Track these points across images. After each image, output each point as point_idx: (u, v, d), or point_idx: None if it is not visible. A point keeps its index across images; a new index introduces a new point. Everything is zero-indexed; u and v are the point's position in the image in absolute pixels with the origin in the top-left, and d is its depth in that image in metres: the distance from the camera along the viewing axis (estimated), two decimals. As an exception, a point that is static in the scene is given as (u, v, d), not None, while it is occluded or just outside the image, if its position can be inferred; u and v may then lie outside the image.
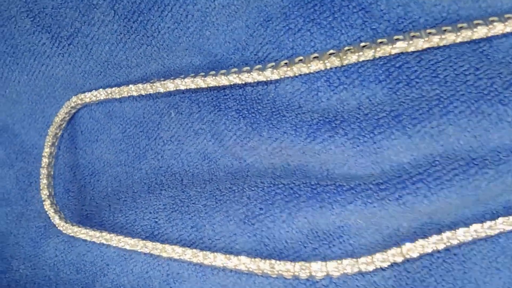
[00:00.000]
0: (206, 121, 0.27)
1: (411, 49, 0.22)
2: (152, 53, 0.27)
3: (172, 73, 0.28)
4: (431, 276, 0.23)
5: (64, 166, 0.34)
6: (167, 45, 0.27)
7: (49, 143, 0.32)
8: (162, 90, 0.27)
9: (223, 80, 0.25)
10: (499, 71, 0.22)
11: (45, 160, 0.32)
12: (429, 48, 0.23)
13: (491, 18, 0.22)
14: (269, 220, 0.24)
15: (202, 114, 0.28)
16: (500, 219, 0.22)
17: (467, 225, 0.22)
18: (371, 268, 0.22)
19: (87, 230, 0.29)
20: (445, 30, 0.22)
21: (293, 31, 0.23)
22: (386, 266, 0.22)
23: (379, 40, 0.22)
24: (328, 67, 0.22)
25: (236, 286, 0.25)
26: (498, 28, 0.21)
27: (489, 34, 0.21)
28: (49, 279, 0.31)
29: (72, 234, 0.30)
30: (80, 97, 0.30)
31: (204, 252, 0.25)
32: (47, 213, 0.31)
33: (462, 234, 0.22)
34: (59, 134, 0.32)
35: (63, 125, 0.32)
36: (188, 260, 0.25)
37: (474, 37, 0.22)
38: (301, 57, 0.23)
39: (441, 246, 0.22)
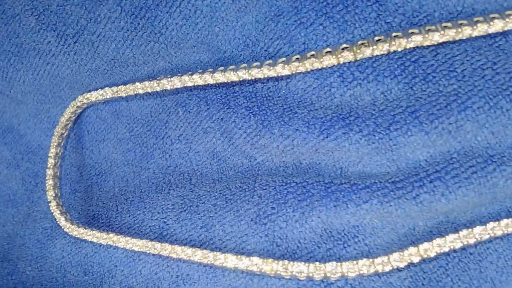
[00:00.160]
0: (215, 119, 0.27)
1: (427, 43, 0.21)
2: (160, 50, 0.27)
3: (180, 70, 0.28)
4: (447, 276, 0.23)
5: (71, 166, 0.34)
6: (175, 42, 0.26)
7: (55, 144, 0.32)
8: (169, 87, 0.27)
9: (232, 76, 0.24)
10: (517, 65, 0.21)
11: (51, 161, 0.31)
12: (444, 42, 0.22)
13: (507, 12, 0.21)
14: (281, 220, 0.23)
15: (210, 112, 0.27)
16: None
17: (483, 223, 0.22)
18: (387, 268, 0.22)
19: (94, 232, 0.29)
20: (461, 24, 0.21)
21: (305, 26, 0.23)
22: (403, 266, 0.22)
23: (394, 34, 0.22)
24: (341, 62, 0.22)
25: (247, 288, 0.25)
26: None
27: (505, 28, 0.21)
28: (56, 280, 0.31)
29: (78, 236, 0.29)
30: (86, 96, 0.30)
31: (215, 252, 0.24)
32: (53, 214, 0.31)
33: (479, 233, 0.22)
34: (65, 134, 0.32)
35: (69, 125, 0.32)
36: (198, 261, 0.25)
37: (490, 31, 0.21)
38: (313, 52, 0.22)
39: (458, 245, 0.22)
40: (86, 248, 0.30)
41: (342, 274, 0.22)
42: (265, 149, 0.25)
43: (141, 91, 0.28)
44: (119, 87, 0.28)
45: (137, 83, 0.27)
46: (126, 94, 0.28)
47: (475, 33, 0.21)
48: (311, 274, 0.22)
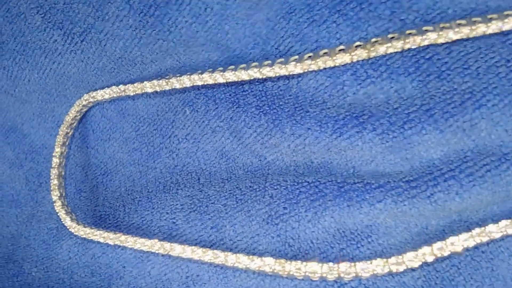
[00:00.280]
0: (224, 118, 0.27)
1: (441, 40, 0.21)
2: (168, 48, 0.26)
3: (188, 69, 0.27)
4: (459, 275, 0.23)
5: (75, 166, 0.33)
6: (183, 40, 0.26)
7: (60, 143, 0.31)
8: (178, 86, 0.26)
9: (243, 75, 0.24)
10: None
11: (55, 160, 0.31)
12: (458, 39, 0.22)
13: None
14: (293, 220, 0.23)
15: (219, 111, 0.27)
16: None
17: (495, 221, 0.22)
18: (402, 268, 0.21)
19: (101, 232, 0.28)
20: (475, 21, 0.21)
21: (318, 23, 0.23)
22: (417, 266, 0.21)
23: (408, 31, 0.21)
24: (354, 60, 0.21)
25: (259, 289, 0.24)
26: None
27: (520, 26, 0.21)
28: (63, 282, 0.30)
29: (84, 236, 0.29)
30: (92, 95, 0.30)
31: (226, 253, 0.24)
32: (58, 214, 0.30)
33: (492, 231, 0.22)
34: (70, 133, 0.31)
35: (74, 124, 0.31)
36: (209, 261, 0.24)
37: (504, 29, 0.21)
38: (326, 50, 0.22)
39: (471, 244, 0.22)
40: (93, 249, 0.29)
41: (356, 274, 0.21)
42: (275, 148, 0.25)
43: (149, 90, 0.27)
44: (127, 85, 0.28)
45: (145, 82, 0.27)
46: (134, 93, 0.28)
47: (489, 31, 0.21)
48: (324, 275, 0.22)
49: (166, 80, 0.26)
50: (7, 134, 0.35)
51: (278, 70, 0.23)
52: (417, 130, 0.21)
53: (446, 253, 0.22)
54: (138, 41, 0.27)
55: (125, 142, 0.31)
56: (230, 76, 0.24)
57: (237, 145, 0.26)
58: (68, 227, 0.29)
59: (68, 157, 0.33)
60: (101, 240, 0.28)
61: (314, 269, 0.22)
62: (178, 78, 0.26)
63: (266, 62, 0.23)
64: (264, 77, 0.24)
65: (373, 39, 0.21)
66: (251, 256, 0.23)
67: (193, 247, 0.25)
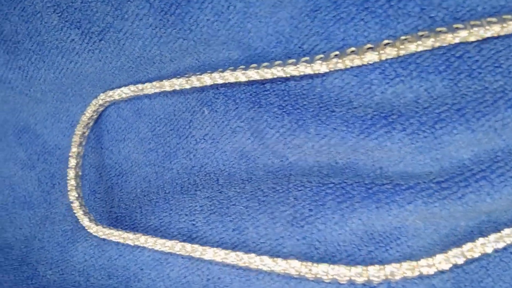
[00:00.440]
0: (245, 119, 0.26)
1: (472, 38, 0.21)
2: (188, 47, 0.26)
3: (207, 67, 0.27)
4: (488, 276, 0.22)
5: (89, 167, 0.33)
6: (204, 38, 0.25)
7: (76, 143, 0.31)
8: (198, 84, 0.26)
9: (266, 74, 0.24)
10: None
11: (72, 161, 0.31)
12: (488, 37, 0.21)
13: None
14: (319, 222, 0.23)
15: (239, 111, 0.26)
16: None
17: (524, 222, 0.21)
18: (432, 271, 0.21)
19: (120, 232, 0.28)
20: (505, 19, 0.21)
21: (345, 21, 0.22)
22: (447, 268, 0.21)
23: (438, 29, 0.21)
24: (383, 58, 0.21)
25: (283, 292, 0.24)
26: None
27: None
28: (79, 284, 0.30)
29: (103, 237, 0.28)
30: (108, 94, 0.29)
31: (249, 254, 0.23)
32: (76, 215, 0.30)
33: (521, 231, 0.21)
34: (87, 133, 0.31)
35: (91, 124, 0.31)
36: (232, 263, 0.24)
37: (535, 26, 0.20)
38: (353, 48, 0.22)
39: (501, 245, 0.21)
40: (110, 251, 0.29)
41: (385, 277, 0.21)
42: (298, 149, 0.24)
43: (168, 89, 0.27)
44: (145, 84, 0.27)
45: (164, 81, 0.27)
46: (152, 92, 0.27)
47: (520, 28, 0.20)
48: (353, 278, 0.21)
49: (186, 79, 0.26)
50: (20, 134, 0.35)
51: (303, 68, 0.23)
52: (448, 130, 0.21)
53: (476, 255, 0.21)
54: (157, 40, 0.26)
55: (141, 142, 0.30)
56: (253, 74, 0.24)
57: (258, 145, 0.26)
58: (86, 228, 0.29)
59: (83, 157, 0.32)
60: (121, 241, 0.28)
61: (342, 272, 0.21)
62: (198, 76, 0.25)
63: (290, 61, 0.23)
64: (288, 76, 0.23)
65: (403, 37, 0.21)
66: (275, 258, 0.23)
67: (215, 248, 0.24)
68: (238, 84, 0.26)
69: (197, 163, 0.28)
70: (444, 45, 0.21)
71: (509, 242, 0.21)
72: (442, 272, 0.22)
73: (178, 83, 0.26)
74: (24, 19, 0.29)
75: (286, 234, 0.23)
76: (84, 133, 0.31)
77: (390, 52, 0.21)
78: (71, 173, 0.31)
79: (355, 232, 0.22)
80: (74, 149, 0.31)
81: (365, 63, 0.21)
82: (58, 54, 0.29)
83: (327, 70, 0.22)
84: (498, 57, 0.21)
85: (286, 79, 0.25)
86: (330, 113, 0.23)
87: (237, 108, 0.26)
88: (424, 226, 0.22)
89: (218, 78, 0.25)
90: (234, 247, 0.25)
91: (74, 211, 0.30)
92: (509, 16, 0.21)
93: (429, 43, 0.21)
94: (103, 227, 0.29)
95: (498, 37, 0.22)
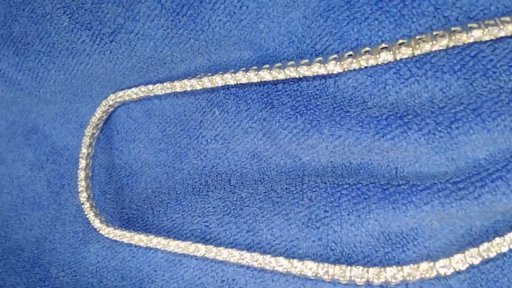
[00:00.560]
0: (257, 119, 0.26)
1: (486, 38, 0.20)
2: (200, 47, 0.26)
3: (218, 68, 0.27)
4: (504, 276, 0.22)
5: (99, 167, 0.33)
6: (216, 39, 0.25)
7: (86, 144, 0.31)
8: (210, 85, 0.26)
9: (279, 74, 0.23)
10: None
11: (82, 162, 0.31)
12: (502, 36, 0.21)
13: None
14: (335, 223, 0.23)
15: (251, 112, 0.26)
16: None
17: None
18: (449, 271, 0.21)
19: (132, 234, 0.28)
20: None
21: (359, 21, 0.22)
22: (464, 268, 0.21)
23: (453, 28, 0.21)
24: (398, 58, 0.21)
25: (299, 293, 0.24)
26: None
27: None
28: (92, 286, 0.30)
29: (115, 238, 0.28)
30: (119, 95, 0.29)
31: (265, 256, 0.23)
32: (87, 216, 0.30)
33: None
34: (97, 134, 0.31)
35: (100, 125, 0.31)
36: (247, 264, 0.24)
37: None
38: (367, 48, 0.21)
39: (517, 244, 0.21)
40: (122, 252, 0.29)
41: (403, 278, 0.21)
42: (312, 149, 0.24)
43: (178, 89, 0.27)
44: (156, 85, 0.27)
45: (175, 82, 0.26)
46: (163, 93, 0.27)
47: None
48: (370, 279, 0.21)
49: (198, 80, 0.26)
50: (28, 135, 0.35)
51: (317, 69, 0.22)
52: (465, 130, 0.21)
53: (492, 254, 0.21)
54: (169, 41, 0.26)
55: (151, 143, 0.30)
56: (265, 75, 0.24)
57: (270, 146, 0.26)
58: (97, 229, 0.29)
59: (93, 158, 0.32)
60: (132, 242, 0.27)
61: (360, 273, 0.21)
62: (210, 77, 0.25)
63: (303, 61, 0.23)
64: (301, 76, 0.23)
65: (417, 37, 0.21)
66: (291, 260, 0.23)
67: (229, 249, 0.24)
68: (250, 84, 0.26)
69: (208, 163, 0.28)
70: (459, 44, 0.21)
71: (524, 242, 0.21)
72: (458, 272, 0.22)
73: (189, 84, 0.26)
74: (33, 21, 0.29)
75: (301, 235, 0.23)
76: (94, 134, 0.31)
77: (405, 52, 0.21)
78: (82, 174, 0.31)
79: (371, 233, 0.22)
80: (84, 150, 0.31)
81: (380, 63, 0.21)
82: (69, 56, 0.29)
83: (341, 70, 0.22)
84: (513, 56, 0.21)
85: (299, 79, 0.25)
86: (344, 113, 0.23)
87: (248, 108, 0.26)
88: (440, 226, 0.22)
89: (230, 79, 0.25)
90: (248, 249, 0.25)
91: (85, 213, 0.30)
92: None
93: (444, 42, 0.21)
94: (115, 229, 0.29)
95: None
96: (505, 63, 0.21)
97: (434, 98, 0.22)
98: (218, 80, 0.25)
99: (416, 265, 0.21)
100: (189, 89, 0.26)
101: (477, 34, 0.20)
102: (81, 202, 0.30)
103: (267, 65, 0.24)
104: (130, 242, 0.28)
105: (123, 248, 0.29)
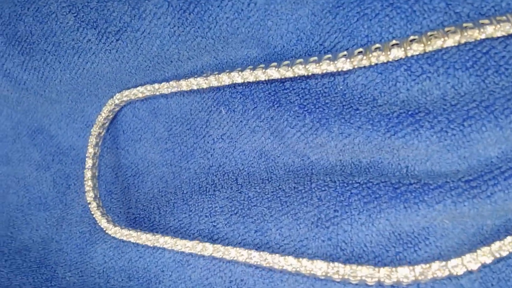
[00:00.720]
0: (264, 118, 0.26)
1: (498, 34, 0.20)
2: (206, 45, 0.26)
3: (225, 66, 0.26)
4: None
5: (105, 167, 0.33)
6: (223, 36, 0.25)
7: (93, 143, 0.30)
8: (216, 84, 0.25)
9: (287, 72, 0.23)
10: None
11: (89, 162, 0.30)
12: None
13: None
14: (345, 223, 0.22)
15: (258, 111, 0.26)
16: None
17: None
18: (461, 271, 0.20)
19: (139, 233, 0.27)
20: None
21: (369, 17, 0.22)
22: (476, 268, 0.20)
23: (464, 25, 0.20)
24: (409, 55, 0.20)
25: (308, 294, 0.24)
26: None
27: None
28: (99, 286, 0.30)
29: (122, 238, 0.28)
30: (125, 94, 0.29)
31: (273, 255, 0.23)
32: (94, 216, 0.30)
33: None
34: (103, 133, 0.31)
35: (107, 124, 0.30)
36: (255, 263, 0.23)
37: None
38: (378, 45, 0.21)
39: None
40: (129, 253, 0.29)
41: (415, 278, 0.20)
42: (320, 148, 0.24)
43: (185, 88, 0.26)
44: (162, 84, 0.27)
45: (181, 80, 0.26)
46: (169, 92, 0.27)
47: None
48: (382, 279, 0.21)
49: (204, 78, 0.26)
50: (34, 135, 0.34)
51: (326, 66, 0.22)
52: (477, 127, 0.21)
53: (504, 253, 0.21)
54: (175, 39, 0.26)
55: (157, 142, 0.30)
56: (273, 73, 0.24)
57: (278, 144, 0.25)
58: (104, 229, 0.29)
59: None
60: (139, 242, 0.27)
61: (371, 273, 0.21)
62: (216, 75, 0.25)
63: (312, 58, 0.23)
64: (310, 74, 0.23)
65: (429, 33, 0.20)
66: (300, 259, 0.22)
67: (237, 248, 0.24)
68: (257, 82, 0.26)
69: (215, 162, 0.28)
70: (471, 41, 0.20)
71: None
72: (470, 272, 0.21)
73: (196, 83, 0.26)
74: (39, 20, 0.29)
75: (311, 235, 0.23)
76: (100, 133, 0.31)
77: (416, 48, 0.20)
78: (88, 174, 0.30)
79: (382, 233, 0.22)
80: (90, 150, 0.31)
81: (391, 59, 0.21)
82: (74, 55, 0.28)
83: (351, 68, 0.22)
84: (526, 52, 0.21)
85: (307, 77, 0.24)
86: (354, 111, 0.23)
87: (255, 107, 0.26)
88: (452, 226, 0.21)
89: (237, 77, 0.25)
90: (257, 249, 0.24)
91: (92, 212, 0.30)
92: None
93: (456, 38, 0.20)
94: (122, 228, 0.28)
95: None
96: None
97: (446, 95, 0.21)
98: (225, 79, 0.25)
99: (428, 265, 0.21)
100: (195, 87, 0.26)
101: (489, 30, 0.20)
102: (88, 201, 0.30)
103: (275, 63, 0.24)
104: (137, 242, 0.28)
105: (130, 248, 0.29)
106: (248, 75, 0.24)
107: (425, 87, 0.21)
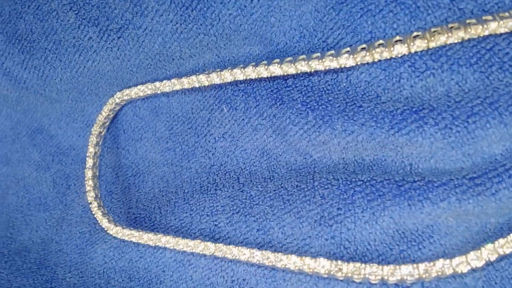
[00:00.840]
0: (266, 116, 0.25)
1: (501, 30, 0.20)
2: (209, 42, 0.25)
3: (227, 63, 0.26)
4: None
5: (105, 167, 0.32)
6: (226, 33, 0.25)
7: (93, 143, 0.30)
8: (218, 81, 0.25)
9: (289, 69, 0.23)
10: None
11: (90, 161, 0.30)
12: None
13: None
14: (349, 221, 0.22)
15: (261, 109, 0.26)
16: None
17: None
18: (466, 269, 0.20)
19: (140, 233, 0.27)
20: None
21: (373, 13, 0.21)
22: (480, 265, 0.20)
23: (468, 21, 0.20)
24: (412, 51, 0.20)
25: (311, 293, 0.23)
26: None
27: None
28: (99, 287, 0.29)
29: (123, 238, 0.28)
30: (125, 93, 0.29)
31: (276, 253, 0.23)
32: (95, 216, 0.29)
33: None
34: (103, 132, 0.30)
35: (107, 123, 0.30)
36: (257, 262, 0.23)
37: None
38: (381, 41, 0.21)
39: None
40: (130, 253, 0.28)
41: (419, 276, 0.20)
42: (323, 146, 0.24)
43: (187, 86, 0.26)
44: (163, 82, 0.27)
45: (183, 78, 0.26)
46: (171, 90, 0.27)
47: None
48: (385, 277, 0.21)
49: (206, 75, 0.25)
50: (33, 135, 0.34)
51: (329, 63, 0.22)
52: (482, 124, 0.20)
53: (508, 251, 0.21)
54: (177, 36, 0.26)
55: (158, 141, 0.30)
56: (276, 70, 0.23)
57: (280, 143, 0.25)
58: (105, 229, 0.28)
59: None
60: (141, 242, 0.27)
61: (374, 271, 0.21)
62: (219, 73, 0.25)
63: (315, 55, 0.22)
64: (313, 70, 0.22)
65: (433, 29, 0.20)
66: (303, 258, 0.22)
67: (240, 247, 0.24)
68: (259, 80, 0.26)
69: (216, 161, 0.28)
70: (474, 37, 0.20)
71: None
72: (474, 270, 0.21)
73: (197, 80, 0.26)
74: (39, 18, 0.29)
75: (314, 233, 0.23)
76: (101, 132, 0.30)
77: (420, 45, 0.20)
78: (89, 174, 0.30)
79: (386, 231, 0.22)
80: (91, 149, 0.30)
81: (394, 56, 0.21)
82: (75, 53, 0.28)
83: (354, 64, 0.21)
84: (530, 48, 0.21)
85: (309, 74, 0.24)
86: (357, 108, 0.22)
87: (257, 105, 0.26)
88: (456, 223, 0.21)
89: (239, 74, 0.24)
90: (259, 248, 0.24)
91: (93, 212, 0.29)
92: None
93: (460, 35, 0.20)
94: (123, 228, 0.28)
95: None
96: None
97: (450, 92, 0.21)
98: (227, 76, 0.25)
99: (432, 263, 0.20)
100: (197, 85, 0.26)
101: (492, 27, 0.20)
102: (89, 201, 0.30)
103: (277, 60, 0.23)
104: (139, 242, 0.27)
105: (131, 249, 0.29)
106: (251, 72, 0.24)
107: (429, 83, 0.21)
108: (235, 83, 0.27)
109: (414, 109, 0.21)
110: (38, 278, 0.32)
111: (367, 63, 0.22)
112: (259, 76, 0.24)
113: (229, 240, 0.25)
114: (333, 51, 0.22)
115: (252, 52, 0.25)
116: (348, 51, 0.22)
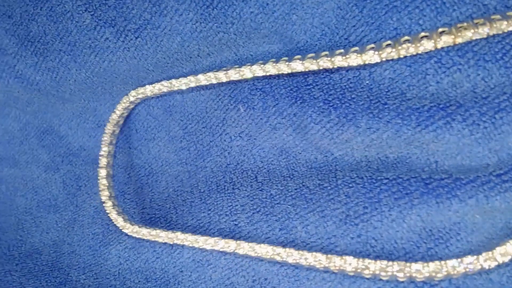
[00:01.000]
0: (286, 115, 0.25)
1: (526, 25, 0.20)
2: (228, 41, 0.25)
3: (244, 62, 0.26)
4: None
5: (118, 167, 0.32)
6: (246, 32, 0.24)
7: (107, 142, 0.30)
8: (237, 77, 0.25)
9: (311, 65, 0.23)
10: None
11: (103, 160, 0.30)
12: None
13: None
14: (375, 220, 0.22)
15: (280, 107, 0.25)
16: None
17: None
18: (493, 264, 0.20)
19: (157, 231, 0.27)
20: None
21: (398, 9, 0.21)
22: (507, 260, 0.20)
23: (493, 17, 0.20)
24: (439, 47, 0.20)
25: (336, 292, 0.23)
26: None
27: None
28: (115, 289, 0.29)
29: (140, 237, 0.28)
30: (140, 91, 0.28)
31: (301, 251, 0.22)
32: (109, 215, 0.29)
33: None
34: (117, 131, 0.30)
35: (121, 122, 0.30)
36: (281, 260, 0.23)
37: None
38: (407, 37, 0.21)
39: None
40: (146, 253, 0.28)
41: (447, 273, 0.20)
42: (346, 144, 0.24)
43: (204, 83, 0.26)
44: (179, 79, 0.27)
45: (199, 75, 0.26)
46: (186, 87, 0.26)
47: None
48: (414, 275, 0.20)
49: (224, 72, 0.25)
50: (42, 136, 0.34)
51: (353, 59, 0.22)
52: (509, 120, 0.20)
53: None
54: (197, 35, 0.25)
55: (171, 141, 0.30)
56: (297, 66, 0.23)
57: (300, 141, 0.25)
58: (121, 228, 0.28)
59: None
60: (159, 240, 0.27)
61: (402, 268, 0.21)
62: (237, 69, 0.25)
63: (338, 51, 0.22)
64: (335, 67, 0.22)
65: (459, 25, 0.20)
66: (329, 256, 0.22)
67: (262, 244, 0.23)
68: (277, 79, 0.26)
69: (233, 160, 0.28)
70: (499, 33, 0.20)
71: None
72: (499, 265, 0.21)
73: (215, 77, 0.25)
74: (53, 20, 0.28)
75: (339, 232, 0.23)
76: (114, 131, 0.30)
77: (446, 40, 0.20)
78: (102, 173, 0.30)
79: (413, 229, 0.22)
80: (104, 148, 0.30)
81: (420, 52, 0.20)
82: (91, 54, 0.28)
83: (379, 60, 0.21)
84: (555, 44, 0.21)
85: (331, 72, 0.24)
86: (382, 105, 0.22)
87: (277, 104, 0.26)
88: (482, 220, 0.21)
89: (259, 70, 0.24)
90: (282, 246, 0.24)
91: (107, 211, 0.29)
92: None
93: (485, 30, 0.20)
94: (139, 227, 0.28)
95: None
96: None
97: (476, 87, 0.21)
98: (247, 72, 0.25)
99: (459, 260, 0.20)
100: (214, 81, 0.25)
101: (518, 22, 0.20)
102: (103, 200, 0.30)
103: (299, 56, 0.23)
104: (156, 240, 0.27)
105: (146, 249, 0.28)
106: (271, 69, 0.24)
107: (455, 79, 0.21)
108: (252, 82, 0.26)
109: (441, 106, 0.21)
110: (51, 280, 0.31)
111: (392, 60, 0.22)
112: (279, 72, 0.24)
113: (250, 239, 0.25)
114: (357, 48, 0.22)
115: (271, 50, 0.25)
116: (373, 48, 0.21)
